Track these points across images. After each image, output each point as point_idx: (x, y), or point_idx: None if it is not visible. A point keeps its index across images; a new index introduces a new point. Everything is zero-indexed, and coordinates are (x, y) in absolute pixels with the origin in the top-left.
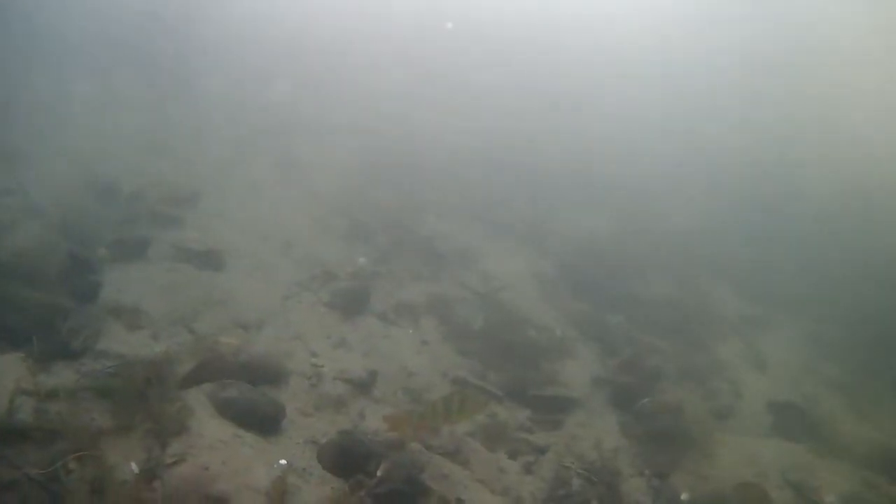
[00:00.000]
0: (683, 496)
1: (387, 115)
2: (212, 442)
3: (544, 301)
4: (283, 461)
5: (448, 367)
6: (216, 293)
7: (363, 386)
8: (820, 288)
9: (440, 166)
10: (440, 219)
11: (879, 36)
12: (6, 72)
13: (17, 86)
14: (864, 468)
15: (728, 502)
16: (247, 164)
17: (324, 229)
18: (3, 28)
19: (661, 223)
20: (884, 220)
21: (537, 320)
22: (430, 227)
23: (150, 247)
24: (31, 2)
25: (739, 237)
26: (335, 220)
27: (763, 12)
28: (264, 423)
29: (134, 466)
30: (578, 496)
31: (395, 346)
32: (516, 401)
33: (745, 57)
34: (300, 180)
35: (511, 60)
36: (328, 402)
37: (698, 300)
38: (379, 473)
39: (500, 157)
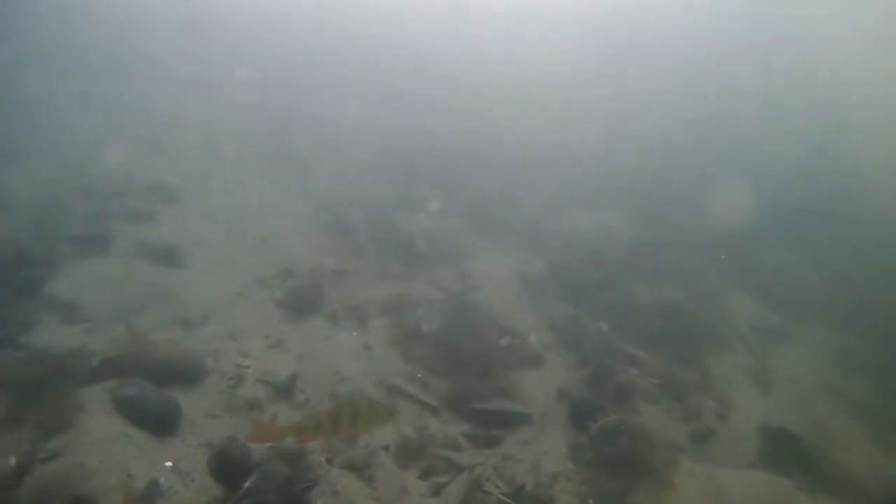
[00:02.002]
0: None
1: (394, 110)
2: (96, 439)
3: (525, 303)
4: (168, 463)
5: (386, 373)
6: (166, 289)
7: (285, 390)
8: (850, 296)
9: (445, 160)
10: (432, 214)
11: None
12: None
13: (8, 82)
14: None
15: None
16: (244, 160)
17: (305, 224)
18: None
19: (683, 221)
20: None
21: (510, 325)
22: (419, 223)
23: (111, 242)
24: (25, 3)
25: (769, 237)
26: (320, 215)
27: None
28: (159, 422)
29: (12, 460)
30: None
31: (335, 350)
32: (456, 413)
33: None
34: (295, 176)
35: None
36: (242, 405)
37: (707, 307)
38: (247, 485)
39: (509, 150)
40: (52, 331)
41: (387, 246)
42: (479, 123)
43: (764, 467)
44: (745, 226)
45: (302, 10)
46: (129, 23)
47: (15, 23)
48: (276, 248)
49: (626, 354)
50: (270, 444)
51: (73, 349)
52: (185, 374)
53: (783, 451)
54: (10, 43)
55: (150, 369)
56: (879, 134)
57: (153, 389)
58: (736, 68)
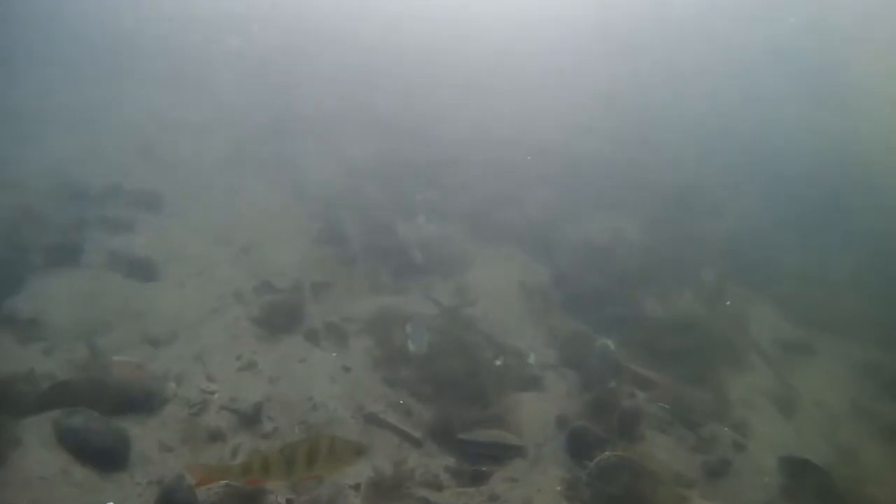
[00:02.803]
0: None
1: (396, 112)
2: (30, 477)
3: (525, 317)
4: None
5: (365, 399)
6: (136, 304)
7: (252, 419)
8: (885, 308)
9: (448, 161)
10: (432, 220)
11: None
12: None
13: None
14: None
15: None
16: (236, 164)
17: (294, 233)
18: None
19: (701, 226)
20: None
21: (508, 342)
22: (416, 230)
23: (83, 253)
24: (18, 3)
25: (793, 242)
26: (312, 222)
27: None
28: (106, 457)
29: None
30: None
31: (310, 372)
32: (440, 445)
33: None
34: (290, 180)
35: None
36: (202, 435)
37: (726, 320)
38: None
39: (515, 150)
40: (5, 351)
41: (379, 255)
42: (485, 123)
43: None
44: (762, 228)
45: (297, 9)
46: (120, 23)
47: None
48: (259, 259)
49: (633, 375)
50: (223, 483)
51: (19, 373)
52: (143, 400)
53: (807, 486)
54: (12, 42)
55: (104, 395)
56: None
57: (101, 420)
58: (753, 66)
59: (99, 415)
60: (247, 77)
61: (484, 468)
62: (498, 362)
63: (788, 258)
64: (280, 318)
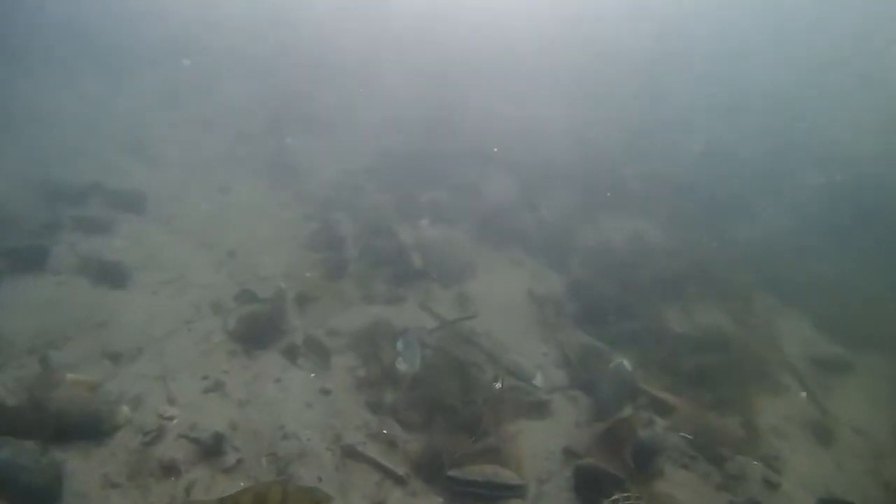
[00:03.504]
0: None
1: (404, 107)
2: None
3: (533, 332)
4: None
5: (345, 427)
6: (102, 314)
7: (213, 449)
8: None
9: (457, 161)
10: (436, 222)
11: None
12: None
13: None
14: None
15: None
16: (231, 162)
17: (286, 236)
18: None
19: (727, 231)
20: None
21: (512, 360)
22: (418, 233)
23: (52, 256)
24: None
25: (825, 249)
26: (306, 224)
27: None
28: (34, 497)
29: None
30: None
31: (285, 395)
32: (427, 483)
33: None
34: (287, 179)
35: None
36: (153, 469)
37: (754, 335)
38: None
39: (529, 150)
40: None
41: (376, 260)
42: (497, 122)
43: None
44: (791, 233)
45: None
46: (114, 20)
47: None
48: (244, 264)
49: (652, 399)
50: None
51: None
52: (89, 427)
53: None
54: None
55: (45, 422)
56: None
57: (32, 453)
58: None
59: (35, 445)
60: (247, 73)
61: None
62: (497, 385)
63: (820, 266)
64: (258, 332)
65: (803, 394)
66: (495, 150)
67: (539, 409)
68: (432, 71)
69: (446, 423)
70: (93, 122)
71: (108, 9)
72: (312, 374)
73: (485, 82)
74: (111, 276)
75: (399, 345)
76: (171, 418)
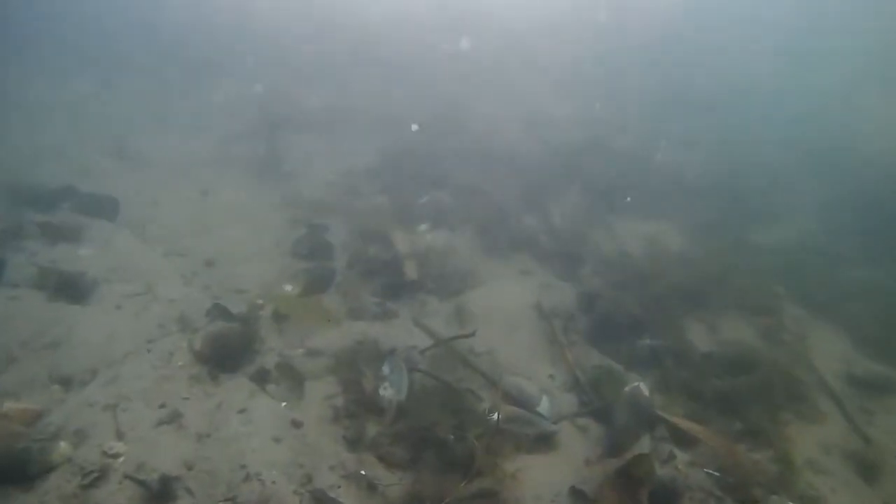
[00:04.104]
0: None
1: (408, 105)
2: None
3: (540, 352)
4: None
5: (317, 467)
6: (55, 332)
7: (161, 494)
8: None
9: (462, 161)
10: (436, 227)
11: None
12: None
13: None
14: None
15: None
16: (218, 163)
17: (270, 244)
18: None
19: (754, 235)
20: None
21: (513, 386)
22: (417, 240)
23: (6, 267)
24: None
25: (858, 253)
26: (293, 230)
27: None
28: None
29: None
30: None
31: (250, 428)
32: None
33: None
34: (276, 182)
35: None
36: None
37: (786, 353)
38: None
39: (539, 148)
40: None
41: (367, 270)
42: (505, 118)
43: None
44: (820, 235)
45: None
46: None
47: None
48: (221, 275)
49: (672, 429)
50: None
51: None
52: (18, 468)
53: None
54: None
55: None
56: None
57: None
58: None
59: None
60: (242, 73)
61: None
62: (493, 417)
63: (855, 274)
64: (226, 353)
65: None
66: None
67: (543, 442)
68: (436, 65)
69: (435, 460)
70: (77, 122)
71: (99, 6)
72: (283, 404)
73: (493, 77)
74: (71, 289)
75: (385, 368)
76: (116, 456)
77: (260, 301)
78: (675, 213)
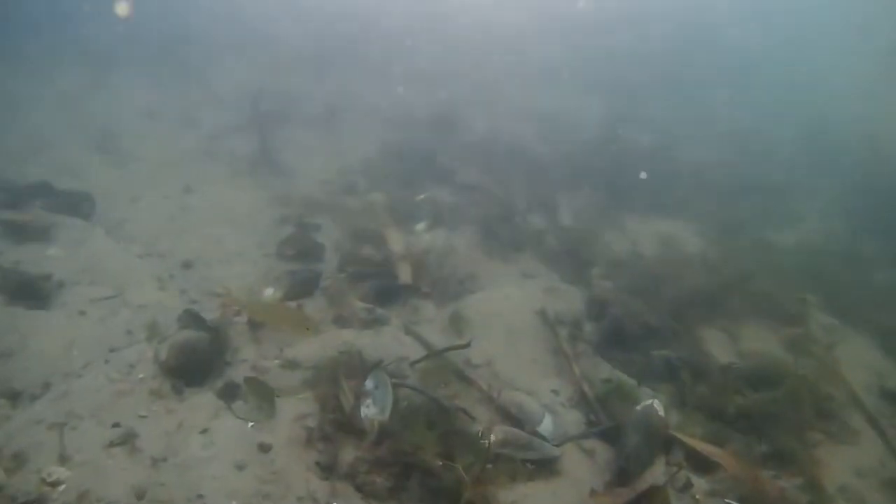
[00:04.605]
0: None
1: (413, 94)
2: None
3: (544, 364)
4: None
5: (284, 498)
6: (10, 341)
7: None
8: None
9: (466, 154)
10: (436, 227)
11: None
12: None
13: None
14: None
15: None
16: (207, 159)
17: (256, 244)
18: None
19: (774, 235)
20: None
21: (512, 402)
22: (411, 240)
23: None
24: None
25: (886, 254)
26: (280, 228)
27: None
28: None
29: None
30: None
31: (211, 451)
32: None
33: None
34: (267, 178)
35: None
36: None
37: (813, 365)
38: None
39: (546, 142)
40: None
41: (358, 273)
42: (512, 110)
43: None
44: (845, 236)
45: None
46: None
47: None
48: (198, 277)
49: (690, 453)
50: None
51: None
52: None
53: None
54: None
55: None
56: None
57: None
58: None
59: None
60: (237, 64)
61: None
62: (487, 441)
63: (883, 275)
64: (193, 365)
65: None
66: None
67: (545, 468)
68: (441, 60)
69: (420, 490)
70: (62, 116)
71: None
72: (250, 424)
73: (501, 71)
74: (31, 292)
75: (368, 383)
76: (56, 484)
77: (232, 307)
78: (690, 212)
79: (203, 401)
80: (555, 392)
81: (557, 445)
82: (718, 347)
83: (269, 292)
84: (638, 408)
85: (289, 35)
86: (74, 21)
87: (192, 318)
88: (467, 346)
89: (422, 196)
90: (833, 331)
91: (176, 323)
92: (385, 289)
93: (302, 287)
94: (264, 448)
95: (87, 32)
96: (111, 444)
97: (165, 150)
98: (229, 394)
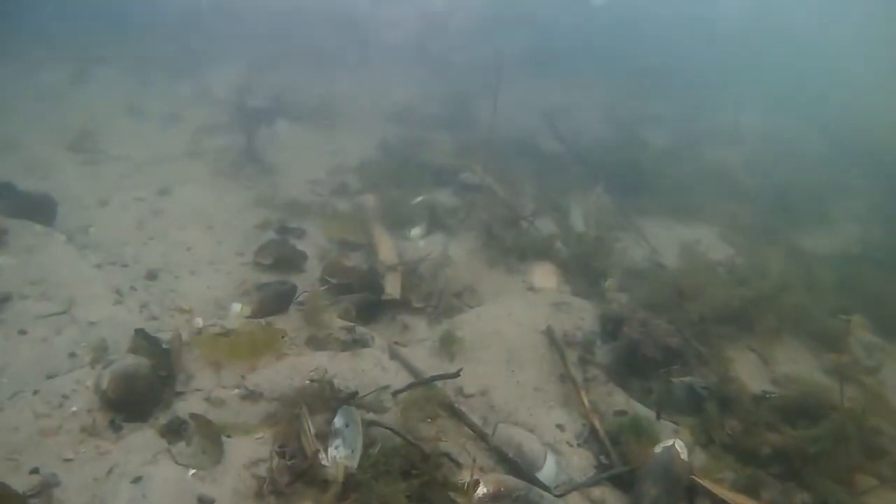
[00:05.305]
0: None
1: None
2: None
3: (547, 393)
4: None
5: None
6: None
7: None
8: None
9: (471, 155)
10: (434, 233)
11: None
12: None
13: None
14: None
15: None
16: (190, 158)
17: (232, 251)
18: None
19: (807, 241)
20: None
21: (508, 441)
22: (403, 249)
23: None
24: None
25: None
26: (258, 234)
27: None
28: None
29: None
30: None
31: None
32: None
33: None
34: (257, 180)
35: None
36: None
37: (858, 391)
38: None
39: (561, 144)
40: None
41: (341, 285)
42: (522, 108)
43: None
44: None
45: None
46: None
47: None
48: (162, 289)
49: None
50: None
51: None
52: None
53: None
54: None
55: None
56: None
57: None
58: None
59: None
60: (235, 59)
61: None
62: (482, 492)
63: None
64: (137, 396)
65: None
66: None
67: None
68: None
69: None
70: (40, 113)
71: None
72: (192, 472)
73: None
74: None
75: (338, 420)
76: None
77: (198, 322)
78: (715, 215)
79: (142, 440)
80: (560, 427)
81: (561, 495)
82: (749, 372)
83: (235, 308)
84: (657, 450)
85: (287, 30)
86: (60, 12)
87: (144, 339)
88: (456, 375)
89: (419, 198)
90: (877, 350)
91: (125, 344)
92: (369, 304)
93: (274, 302)
94: (204, 502)
95: (73, 24)
96: (25, 496)
97: (146, 148)
98: (173, 432)
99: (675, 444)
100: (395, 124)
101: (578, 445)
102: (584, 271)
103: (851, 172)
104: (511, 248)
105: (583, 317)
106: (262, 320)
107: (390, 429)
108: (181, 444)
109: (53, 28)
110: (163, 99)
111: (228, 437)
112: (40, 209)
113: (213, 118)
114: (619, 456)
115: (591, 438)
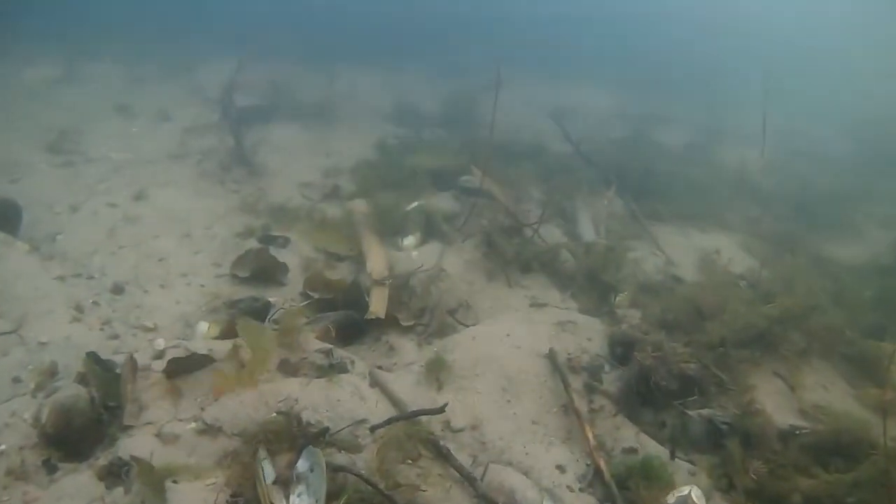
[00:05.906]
0: None
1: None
2: None
3: (546, 428)
4: None
5: None
6: None
7: None
8: None
9: (473, 155)
10: (428, 242)
11: None
12: None
13: None
14: None
15: None
16: (175, 161)
17: (209, 262)
18: None
19: (835, 251)
20: None
21: (498, 489)
22: (398, 259)
23: None
24: None
25: None
26: (240, 242)
27: None
28: None
29: None
30: None
31: None
32: None
33: None
34: (244, 183)
35: None
36: None
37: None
38: None
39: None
40: None
41: (323, 301)
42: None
43: None
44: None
45: None
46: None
47: None
48: (128, 305)
49: None
50: None
51: None
52: None
53: None
54: None
55: None
56: None
57: None
58: None
59: None
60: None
61: None
62: None
63: None
64: (77, 432)
65: None
66: None
67: None
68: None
69: None
70: (21, 110)
71: None
72: None
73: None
74: None
75: (301, 464)
76: None
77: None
78: (736, 223)
79: (76, 484)
80: (560, 469)
81: None
82: (775, 402)
83: (202, 328)
84: (671, 500)
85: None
86: (49, 10)
87: (95, 364)
88: (441, 411)
89: (414, 204)
90: None
91: (76, 371)
92: (352, 322)
93: (251, 320)
94: None
95: (63, 20)
96: None
97: (128, 149)
98: (113, 475)
99: (692, 492)
100: (394, 124)
101: (581, 490)
102: (593, 285)
103: (884, 175)
104: (512, 258)
105: (590, 337)
106: (231, 342)
107: (359, 475)
108: (119, 491)
109: (43, 24)
110: (154, 97)
111: (175, 482)
112: (4, 216)
113: (205, 117)
114: (626, 503)
115: (595, 481)
